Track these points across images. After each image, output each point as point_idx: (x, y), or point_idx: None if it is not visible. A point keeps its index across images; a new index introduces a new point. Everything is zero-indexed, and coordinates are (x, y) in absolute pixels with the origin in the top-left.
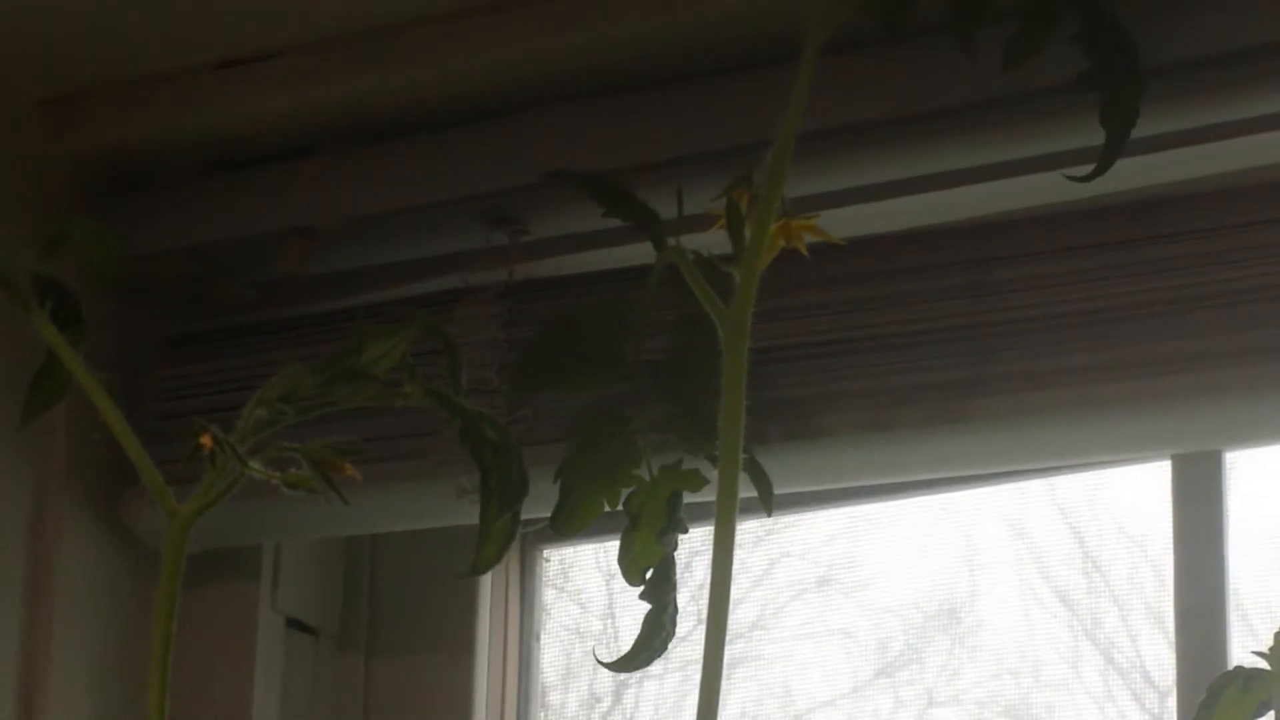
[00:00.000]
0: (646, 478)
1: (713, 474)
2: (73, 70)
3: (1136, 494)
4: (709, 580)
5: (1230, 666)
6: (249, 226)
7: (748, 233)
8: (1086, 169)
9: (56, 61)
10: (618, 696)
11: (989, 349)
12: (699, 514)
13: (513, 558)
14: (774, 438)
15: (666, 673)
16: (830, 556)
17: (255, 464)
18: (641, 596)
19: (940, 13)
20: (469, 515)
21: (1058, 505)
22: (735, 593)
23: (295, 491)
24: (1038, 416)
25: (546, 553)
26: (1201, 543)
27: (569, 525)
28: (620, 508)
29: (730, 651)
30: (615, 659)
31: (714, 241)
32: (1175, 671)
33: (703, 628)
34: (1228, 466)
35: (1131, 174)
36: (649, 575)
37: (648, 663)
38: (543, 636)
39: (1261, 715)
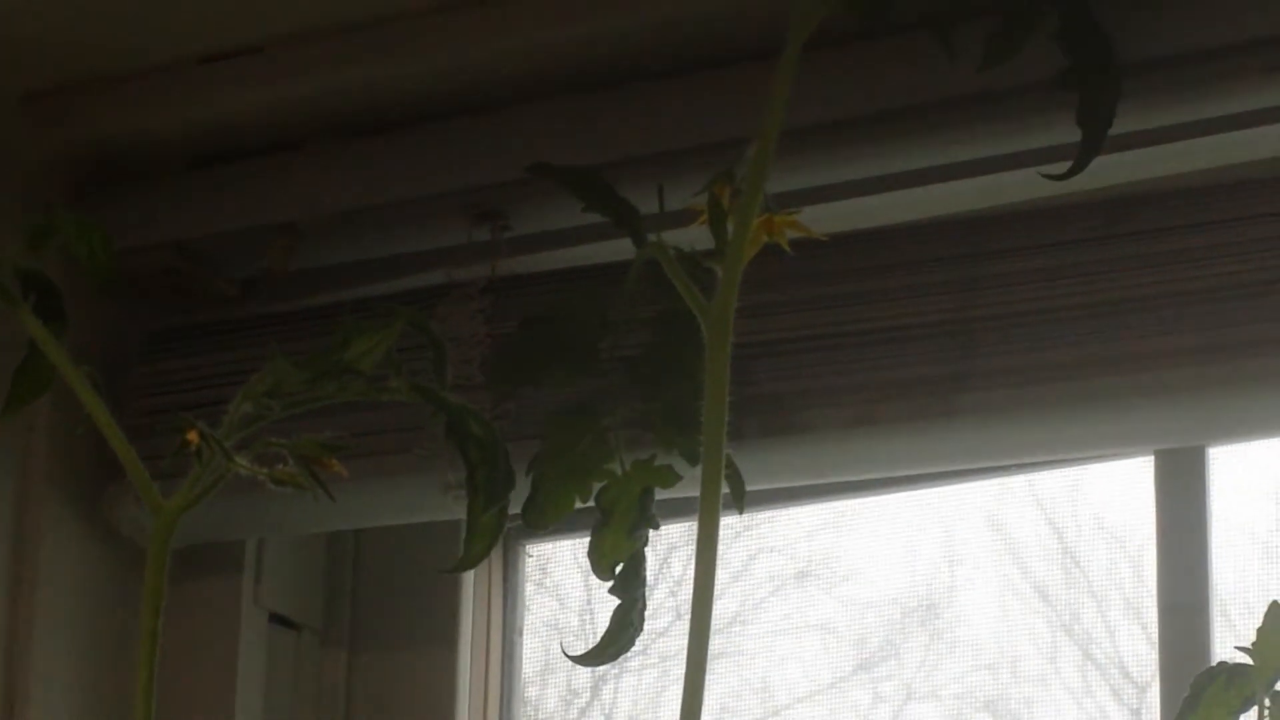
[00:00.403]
0: (619, 473)
1: (686, 470)
2: (55, 65)
3: (1115, 489)
4: (690, 575)
5: (1212, 662)
6: (232, 222)
7: (730, 227)
8: (1064, 167)
9: (39, 56)
10: (596, 691)
11: (972, 345)
12: (674, 510)
13: (495, 553)
14: (754, 433)
15: (644, 668)
16: (809, 551)
17: (241, 460)
18: (611, 591)
19: (921, 10)
20: (453, 511)
21: (1037, 500)
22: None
23: (282, 488)
24: (1021, 412)
25: (529, 548)
26: (1184, 538)
27: (540, 518)
28: (592, 502)
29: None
30: (583, 653)
31: (695, 237)
32: (1158, 666)
33: (680, 623)
34: (1210, 462)
35: (1110, 171)
36: (619, 570)
37: (614, 657)
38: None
39: (1245, 710)
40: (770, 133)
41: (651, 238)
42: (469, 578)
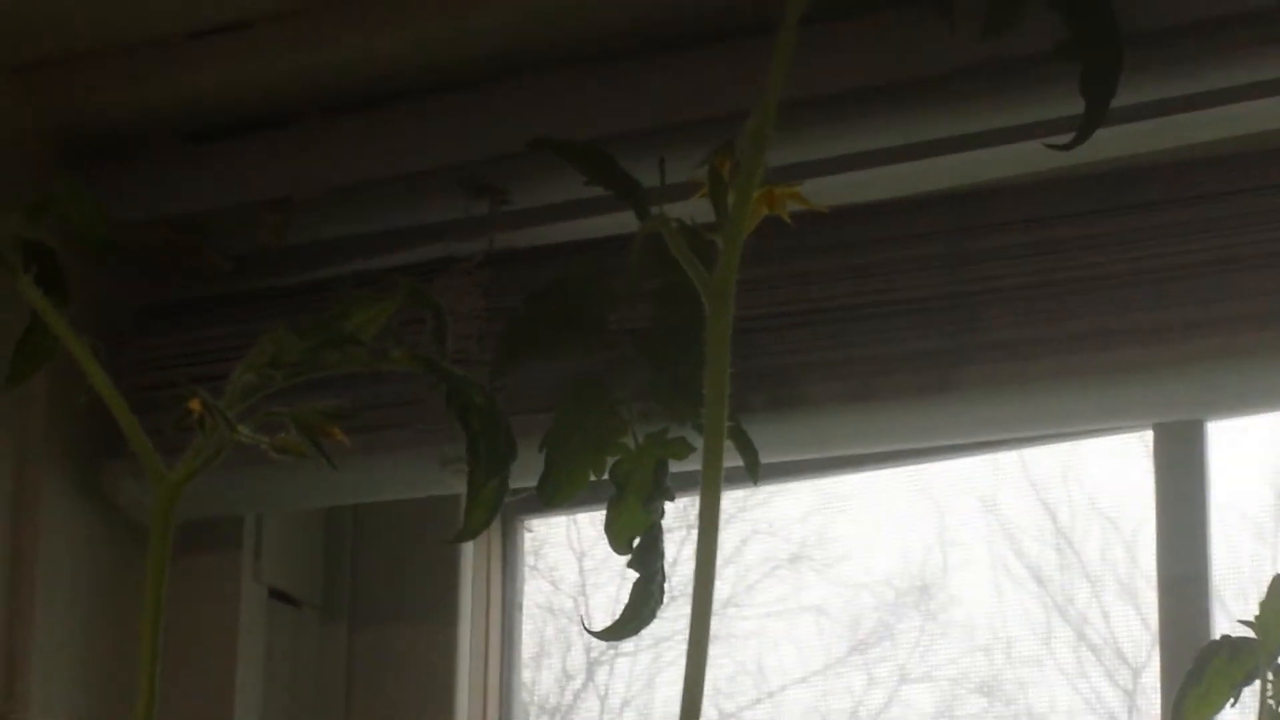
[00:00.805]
0: (632, 446)
1: (699, 442)
2: (47, 39)
3: (1110, 471)
4: (683, 557)
5: (1213, 636)
6: (226, 197)
7: (730, 200)
8: (1067, 138)
9: (31, 30)
10: (590, 674)
11: (972, 318)
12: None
13: (494, 529)
14: (757, 407)
15: (639, 650)
16: (802, 533)
17: (244, 429)
18: (629, 565)
19: None
20: (451, 486)
21: (1030, 481)
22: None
23: (284, 456)
24: (1020, 385)
25: (529, 523)
26: (1183, 512)
27: (557, 495)
28: (606, 477)
29: None
30: (603, 628)
31: (695, 210)
32: (1158, 640)
33: (673, 606)
34: (1209, 436)
35: (1112, 143)
36: (636, 544)
37: (636, 631)
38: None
39: (1248, 684)
40: (770, 104)
41: (654, 210)
42: (468, 553)
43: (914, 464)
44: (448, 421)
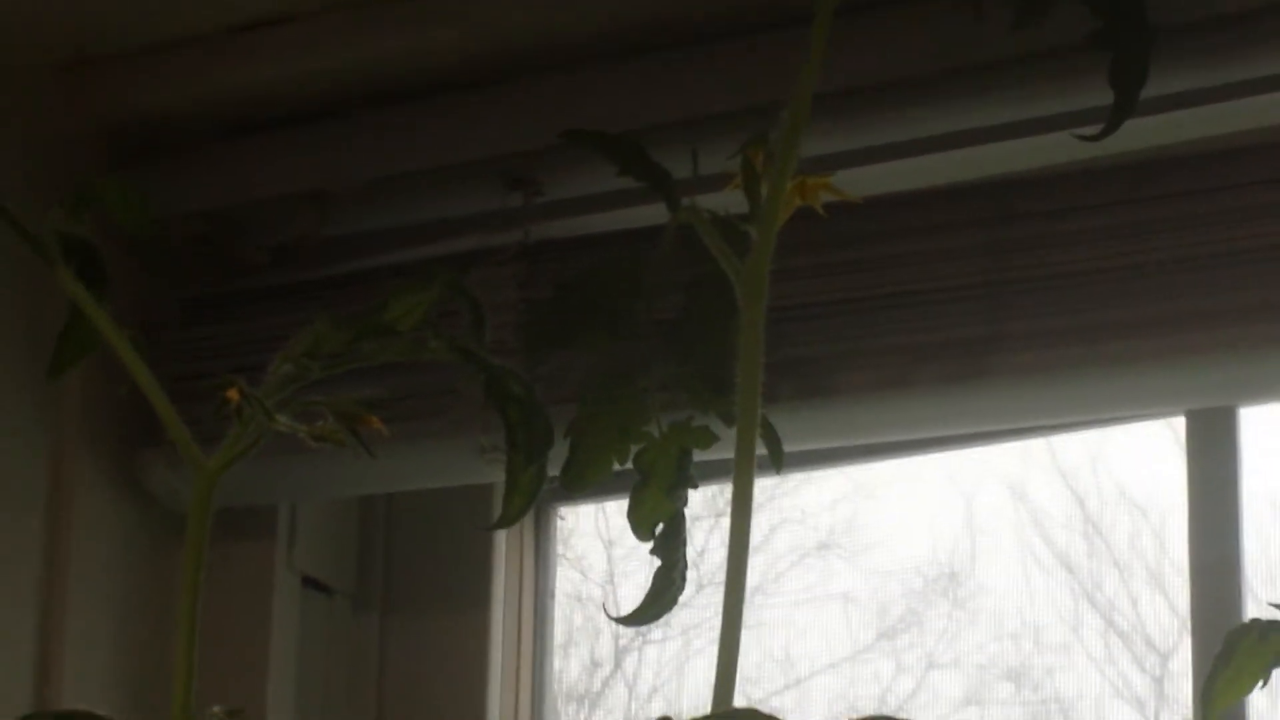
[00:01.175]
0: (656, 435)
1: (723, 431)
2: (91, 36)
3: (1138, 458)
4: (711, 546)
5: (1245, 619)
6: (264, 190)
7: (763, 190)
8: (1096, 128)
9: (75, 27)
10: (618, 662)
11: (1004, 307)
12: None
13: (527, 517)
14: (788, 396)
15: (667, 638)
16: (831, 521)
17: (281, 418)
18: (652, 552)
19: None
20: (487, 474)
21: (1059, 469)
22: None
23: (321, 444)
24: (1052, 373)
25: (561, 510)
26: (1215, 497)
27: (579, 481)
28: (630, 464)
29: None
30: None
31: (729, 202)
32: (1189, 626)
33: (702, 593)
34: (1241, 422)
35: (1142, 133)
36: (659, 531)
37: (657, 617)
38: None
39: (1277, 665)
40: (804, 95)
41: (685, 202)
42: (501, 541)
43: (943, 451)
44: (484, 410)
